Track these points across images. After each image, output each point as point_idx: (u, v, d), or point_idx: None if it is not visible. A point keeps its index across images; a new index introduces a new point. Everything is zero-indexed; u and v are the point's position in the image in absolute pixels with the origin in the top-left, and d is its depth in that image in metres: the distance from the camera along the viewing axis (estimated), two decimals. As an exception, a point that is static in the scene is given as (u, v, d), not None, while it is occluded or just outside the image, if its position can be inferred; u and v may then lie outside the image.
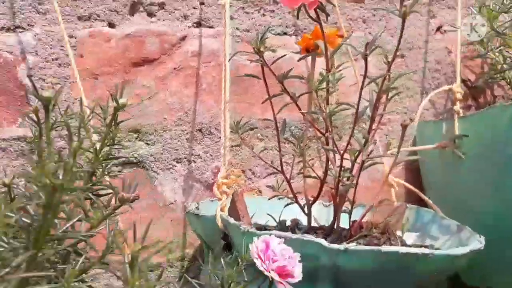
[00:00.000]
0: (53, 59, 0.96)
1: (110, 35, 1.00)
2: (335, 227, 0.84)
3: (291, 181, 0.89)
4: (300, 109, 0.84)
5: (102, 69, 0.99)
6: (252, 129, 1.09)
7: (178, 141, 1.05)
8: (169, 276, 1.04)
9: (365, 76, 0.77)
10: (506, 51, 1.11)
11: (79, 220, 0.55)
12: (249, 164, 1.09)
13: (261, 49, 0.81)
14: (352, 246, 0.70)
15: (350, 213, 0.84)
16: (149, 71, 1.03)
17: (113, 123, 0.64)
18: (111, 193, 0.62)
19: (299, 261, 0.66)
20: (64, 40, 0.93)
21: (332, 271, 0.71)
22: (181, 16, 1.05)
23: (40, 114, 0.61)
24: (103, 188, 0.63)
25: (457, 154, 0.94)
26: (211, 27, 1.07)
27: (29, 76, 0.94)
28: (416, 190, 1.05)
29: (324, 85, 0.81)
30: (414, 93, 1.21)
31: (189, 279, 0.65)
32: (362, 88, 0.78)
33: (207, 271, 0.66)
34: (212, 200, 0.97)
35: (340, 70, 0.82)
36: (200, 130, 1.06)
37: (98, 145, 0.65)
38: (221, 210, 0.83)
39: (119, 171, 1.01)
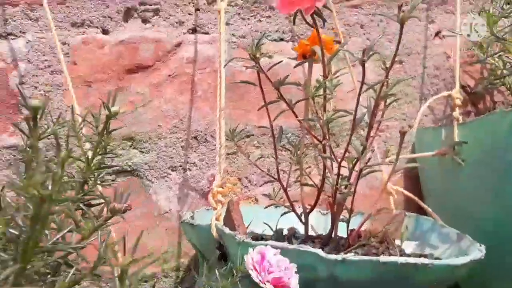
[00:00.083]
0: (45, 66, 0.95)
1: (104, 41, 0.99)
2: (332, 236, 0.84)
3: (288, 189, 0.89)
4: (297, 116, 0.83)
5: (96, 76, 0.98)
6: (248, 136, 1.07)
7: (173, 149, 1.03)
8: (164, 286, 1.02)
9: (362, 82, 0.76)
10: (506, 57, 1.10)
11: (70, 231, 0.54)
12: (245, 172, 1.08)
13: (257, 55, 0.80)
14: (350, 256, 0.70)
15: (348, 222, 0.83)
16: (143, 78, 1.01)
17: (105, 132, 0.63)
18: (103, 203, 0.60)
19: (296, 272, 0.65)
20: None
21: (330, 281, 0.70)
22: (176, 22, 1.03)
23: (32, 122, 0.60)
24: (94, 198, 0.62)
25: (456, 161, 0.93)
26: (207, 33, 1.06)
27: (20, 84, 0.93)
28: (415, 198, 1.04)
29: (321, 91, 0.81)
30: (413, 99, 1.20)
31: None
32: (359, 94, 0.77)
33: (202, 282, 0.65)
34: (207, 209, 0.95)
35: (338, 76, 0.82)
36: (195, 137, 1.05)
37: (90, 154, 0.64)
38: (216, 219, 0.82)
39: (112, 180, 1.00)
